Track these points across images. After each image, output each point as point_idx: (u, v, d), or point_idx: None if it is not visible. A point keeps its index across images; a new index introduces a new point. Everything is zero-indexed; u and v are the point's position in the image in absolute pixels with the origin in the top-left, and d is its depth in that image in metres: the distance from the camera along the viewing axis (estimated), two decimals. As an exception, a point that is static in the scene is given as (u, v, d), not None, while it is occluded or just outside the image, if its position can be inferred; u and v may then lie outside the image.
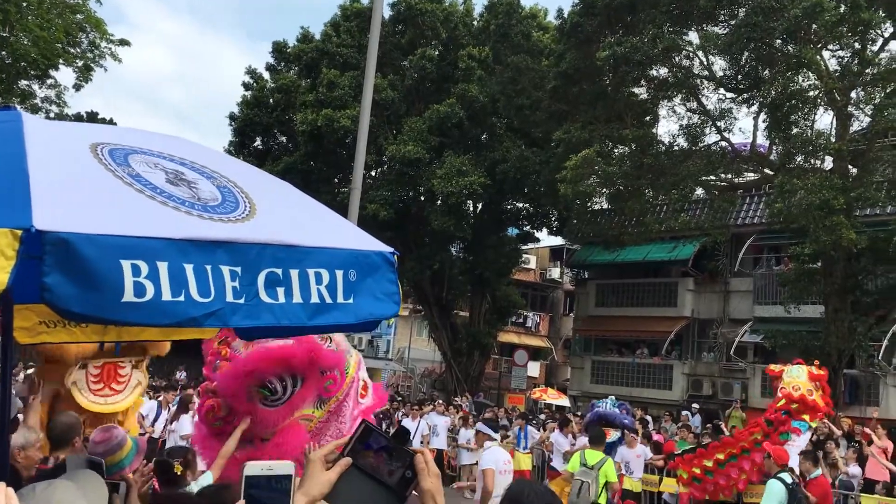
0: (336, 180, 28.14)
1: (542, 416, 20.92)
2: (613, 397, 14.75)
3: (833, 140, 17.87)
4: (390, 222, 24.88)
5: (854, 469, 13.11)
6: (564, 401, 26.93)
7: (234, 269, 2.07)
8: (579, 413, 21.21)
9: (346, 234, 2.47)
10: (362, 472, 1.70)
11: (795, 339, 19.67)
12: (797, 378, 10.88)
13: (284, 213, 2.47)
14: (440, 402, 20.91)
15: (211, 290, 2.00)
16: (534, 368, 35.37)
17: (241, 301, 2.07)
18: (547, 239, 37.76)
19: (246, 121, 30.07)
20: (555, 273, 40.78)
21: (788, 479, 8.75)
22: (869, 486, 13.05)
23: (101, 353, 5.61)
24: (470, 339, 28.98)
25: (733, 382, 24.41)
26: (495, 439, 8.85)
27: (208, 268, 2.02)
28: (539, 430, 17.13)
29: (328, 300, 2.23)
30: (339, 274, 2.28)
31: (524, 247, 31.99)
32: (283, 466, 1.60)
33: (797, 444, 10.65)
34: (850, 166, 18.29)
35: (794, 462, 9.82)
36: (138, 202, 2.10)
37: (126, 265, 1.86)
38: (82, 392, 5.52)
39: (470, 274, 28.62)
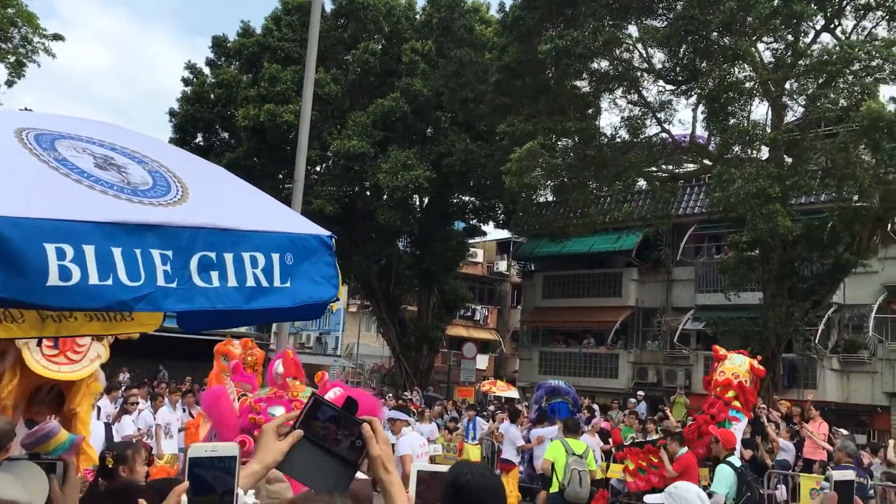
0: (280, 176, 27.82)
1: (492, 408, 21.05)
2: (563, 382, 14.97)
3: (769, 130, 18.33)
4: (336, 217, 24.71)
5: (787, 444, 13.61)
6: (513, 392, 27.14)
7: (164, 253, 2.03)
8: (527, 403, 21.43)
9: (283, 218, 2.44)
10: (314, 443, 1.75)
11: (736, 325, 20.16)
12: (739, 367, 11.13)
13: (218, 197, 2.43)
14: (390, 396, 20.88)
15: (141, 273, 1.96)
16: (482, 361, 35.57)
17: (174, 285, 2.03)
18: (494, 232, 37.99)
19: (186, 117, 29.51)
20: (502, 266, 41.05)
21: (737, 463, 8.84)
22: (807, 465, 13.46)
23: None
24: (418, 333, 28.99)
25: (677, 369, 24.91)
26: (410, 424, 8.99)
27: (138, 251, 1.98)
28: (487, 422, 17.24)
29: (265, 284, 2.20)
30: (276, 257, 2.25)
31: (471, 240, 32.10)
32: (227, 448, 1.59)
33: (737, 429, 10.91)
34: (785, 156, 18.77)
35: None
36: (64, 186, 2.04)
37: (50, 248, 1.81)
38: (33, 354, 5.15)
39: (417, 268, 28.62)
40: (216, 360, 8.06)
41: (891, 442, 14.68)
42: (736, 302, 19.81)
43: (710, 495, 8.74)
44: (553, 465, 10.12)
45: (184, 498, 1.51)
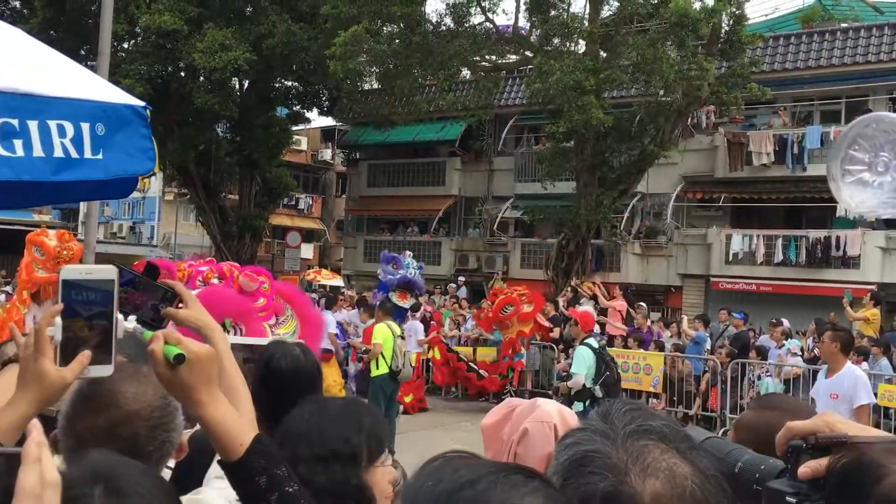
0: (82, 52, 25.51)
1: (315, 297, 21.18)
2: (411, 254, 15.04)
3: (586, 24, 18.92)
4: (148, 99, 23.06)
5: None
6: (338, 281, 27.41)
7: (-42, 118, 1.87)
8: (350, 291, 21.79)
9: (91, 86, 2.29)
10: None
11: (551, 213, 21.25)
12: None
13: (17, 59, 2.24)
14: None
15: (-70, 139, 1.81)
16: (307, 250, 35.47)
17: (-29, 153, 1.89)
18: (318, 120, 37.24)
19: (-32, -19, 26.21)
20: (326, 155, 40.53)
21: (595, 344, 9.22)
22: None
23: None
24: (240, 221, 28.29)
25: (496, 256, 26.02)
26: None
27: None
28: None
29: (74, 155, 2.08)
30: (86, 127, 2.13)
31: (295, 127, 31.29)
32: (104, 271, 1.50)
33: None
34: (600, 50, 19.52)
35: None
36: None
37: None
38: None
39: (238, 155, 27.62)
40: (27, 251, 7.48)
41: (684, 318, 16.35)
42: (551, 191, 20.79)
43: (570, 376, 9.31)
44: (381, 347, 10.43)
45: (58, 320, 1.43)
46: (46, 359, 1.42)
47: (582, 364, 8.88)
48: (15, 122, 1.97)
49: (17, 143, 1.97)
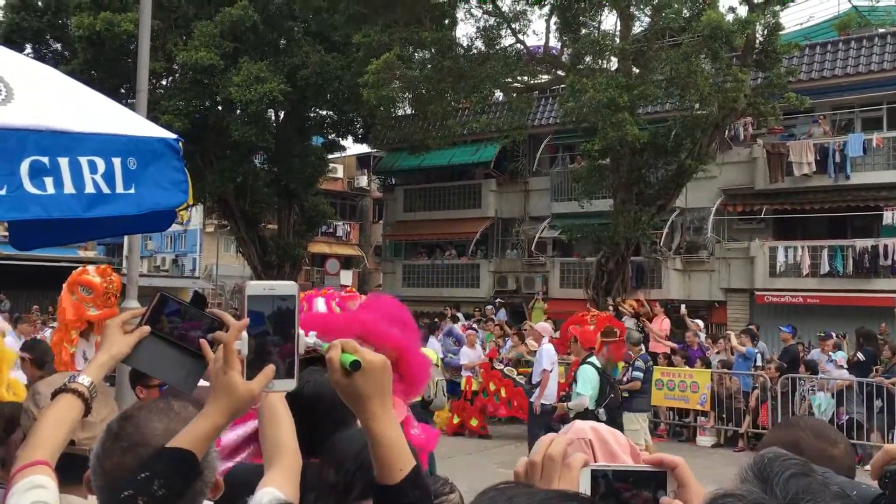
0: (122, 90, 26.11)
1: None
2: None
3: (617, 41, 18.83)
4: (187, 134, 23.45)
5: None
6: (378, 306, 27.40)
7: (-11, 158, 1.87)
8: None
9: (123, 120, 2.29)
10: (161, 338, 1.75)
11: (589, 231, 21.06)
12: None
13: (49, 97, 2.24)
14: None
15: (-37, 180, 1.81)
16: (346, 277, 35.61)
17: (3, 192, 1.87)
18: (353, 147, 37.60)
19: (12, 26, 26.96)
20: (362, 181, 40.78)
21: (598, 363, 8.94)
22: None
23: None
24: (280, 251, 28.55)
25: (535, 276, 25.86)
26: None
27: (-42, 156, 1.81)
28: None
29: (105, 190, 2.07)
30: (117, 162, 2.12)
31: (330, 156, 31.58)
32: (286, 287, 1.54)
33: None
34: (633, 66, 19.40)
35: None
36: None
37: None
38: None
39: (276, 185, 27.95)
40: (71, 291, 7.49)
41: (731, 333, 16.04)
42: (588, 209, 20.62)
43: (569, 397, 9.03)
44: None
45: (244, 335, 1.49)
46: (235, 372, 1.49)
47: (588, 385, 8.55)
48: (45, 159, 1.97)
49: (48, 181, 1.97)
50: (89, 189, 2.06)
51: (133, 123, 2.37)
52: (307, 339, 1.52)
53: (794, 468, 0.90)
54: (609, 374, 9.21)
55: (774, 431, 2.11)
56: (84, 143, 2.08)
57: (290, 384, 1.51)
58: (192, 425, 1.50)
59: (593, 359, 8.95)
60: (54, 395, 1.81)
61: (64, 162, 2.02)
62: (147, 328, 1.75)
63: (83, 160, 2.06)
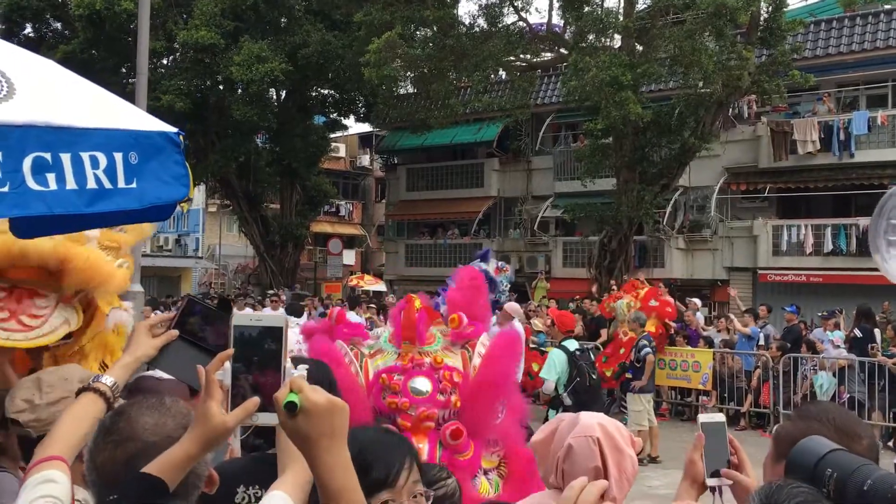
0: (123, 70, 26.03)
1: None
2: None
3: (621, 18, 18.69)
4: (188, 114, 23.50)
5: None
6: (381, 286, 27.48)
7: (-8, 155, 1.88)
8: (394, 296, 21.82)
9: (123, 115, 2.29)
10: (189, 341, 1.81)
11: (592, 210, 21.03)
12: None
13: (50, 93, 2.24)
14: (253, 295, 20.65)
15: (-34, 178, 1.82)
16: (349, 256, 35.64)
17: (6, 189, 1.89)
18: (355, 126, 37.37)
19: (12, 5, 26.80)
20: (365, 160, 40.68)
21: (572, 347, 8.69)
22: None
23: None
24: (282, 231, 28.57)
25: (538, 255, 25.87)
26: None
27: (-39, 154, 1.82)
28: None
29: (107, 185, 2.08)
30: (118, 157, 2.13)
31: (332, 135, 31.48)
32: (273, 318, 1.52)
33: None
34: (636, 44, 19.27)
35: None
36: None
37: None
38: None
39: (278, 165, 27.91)
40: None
41: (732, 315, 16.02)
42: (591, 188, 20.59)
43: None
44: None
45: (227, 365, 1.46)
46: (213, 401, 1.46)
47: (551, 369, 8.29)
48: (48, 155, 1.98)
49: (50, 177, 1.97)
50: (91, 184, 2.06)
51: (134, 117, 2.36)
52: (295, 371, 1.45)
53: (801, 496, 0.89)
54: (583, 356, 8.74)
55: (794, 421, 2.03)
56: (86, 139, 2.08)
57: (275, 418, 1.40)
58: (166, 453, 1.48)
59: (568, 342, 8.75)
60: (78, 393, 1.87)
61: (66, 157, 2.02)
62: (175, 332, 1.83)
63: (85, 155, 2.06)
